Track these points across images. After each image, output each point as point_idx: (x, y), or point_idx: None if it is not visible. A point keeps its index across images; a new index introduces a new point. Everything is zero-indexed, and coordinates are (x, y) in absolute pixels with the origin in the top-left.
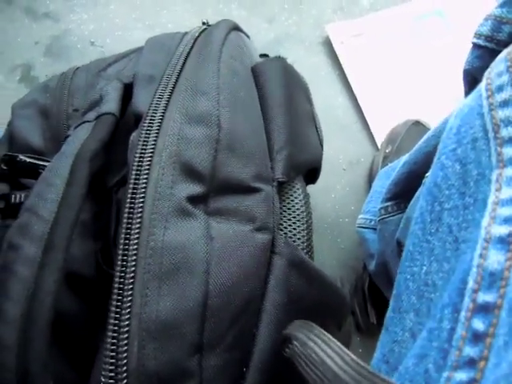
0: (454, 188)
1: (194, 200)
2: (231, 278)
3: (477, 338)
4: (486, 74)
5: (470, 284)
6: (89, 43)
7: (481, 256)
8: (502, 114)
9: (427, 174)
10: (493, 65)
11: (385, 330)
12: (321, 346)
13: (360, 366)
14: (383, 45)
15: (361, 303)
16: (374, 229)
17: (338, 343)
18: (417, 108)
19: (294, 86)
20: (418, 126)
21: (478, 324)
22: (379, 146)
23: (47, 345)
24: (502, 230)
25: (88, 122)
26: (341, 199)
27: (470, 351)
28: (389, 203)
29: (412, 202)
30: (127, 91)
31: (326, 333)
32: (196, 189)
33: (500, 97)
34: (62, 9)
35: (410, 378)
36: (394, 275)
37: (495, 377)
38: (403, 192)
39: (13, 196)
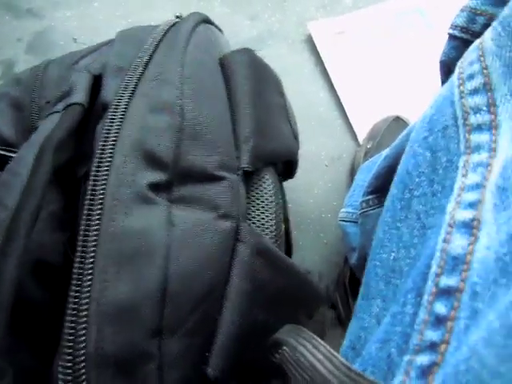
0: (424, 175)
1: (155, 187)
2: (192, 264)
3: (438, 321)
4: (459, 63)
5: (433, 268)
6: (72, 40)
7: (444, 240)
8: (471, 101)
9: None
10: (465, 54)
11: (354, 317)
12: (310, 350)
13: (348, 368)
14: (365, 42)
15: (342, 296)
16: (356, 222)
17: (328, 347)
18: (397, 104)
19: (262, 77)
20: (398, 122)
21: (440, 308)
22: (361, 142)
23: (5, 332)
24: (466, 215)
25: (56, 112)
26: (323, 195)
27: (431, 335)
28: (370, 197)
29: None
30: (97, 82)
31: (315, 336)
32: (158, 176)
33: (470, 85)
34: (45, 5)
35: (373, 363)
36: None
37: (456, 360)
38: (384, 185)
39: None
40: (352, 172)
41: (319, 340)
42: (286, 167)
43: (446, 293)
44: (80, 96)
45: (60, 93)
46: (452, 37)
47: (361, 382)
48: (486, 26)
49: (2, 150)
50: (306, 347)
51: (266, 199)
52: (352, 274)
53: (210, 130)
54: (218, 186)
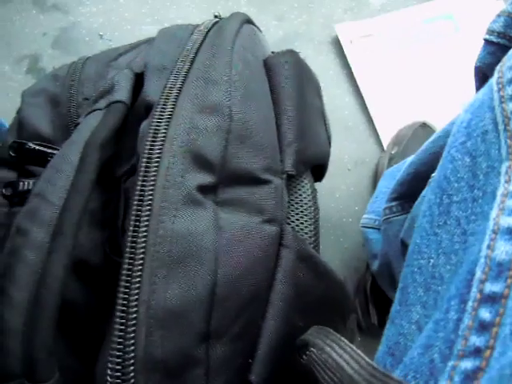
0: (464, 181)
1: (203, 189)
2: (239, 269)
3: (483, 327)
4: (498, 67)
5: (478, 275)
6: (97, 36)
7: (489, 247)
8: None
9: (433, 175)
10: (504, 59)
11: (390, 323)
12: (337, 351)
13: (374, 368)
14: (392, 46)
15: (362, 303)
16: (378, 229)
17: (354, 347)
18: (424, 110)
19: (306, 80)
20: (424, 128)
21: (485, 314)
22: (385, 147)
23: (53, 331)
24: (510, 221)
25: (99, 109)
26: (345, 199)
27: (476, 340)
28: (394, 203)
29: (417, 203)
30: (138, 81)
31: (342, 337)
32: (206, 178)
33: (511, 89)
34: (71, 1)
35: (415, 369)
36: (397, 275)
37: (500, 365)
38: (408, 192)
39: (21, 183)
40: (375, 177)
41: (346, 341)
42: (317, 170)
43: (491, 299)
44: (123, 94)
45: (100, 89)
46: (488, 42)
47: (387, 381)
48: None
49: (41, 145)
50: (334, 348)
51: (306, 203)
52: (373, 281)
53: (257, 133)
54: (263, 190)
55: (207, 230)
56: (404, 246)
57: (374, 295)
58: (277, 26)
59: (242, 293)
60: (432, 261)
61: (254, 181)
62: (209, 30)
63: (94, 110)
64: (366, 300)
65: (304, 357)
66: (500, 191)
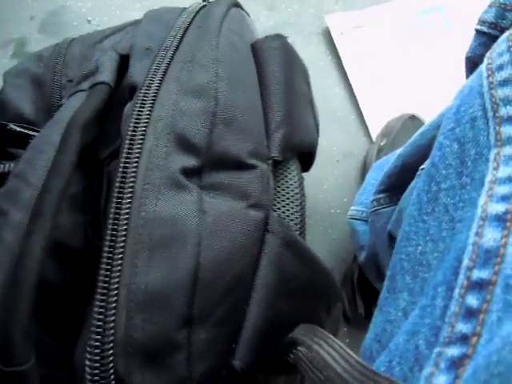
0: (452, 168)
1: (187, 173)
2: (223, 253)
3: (470, 314)
4: (488, 54)
5: (465, 262)
6: (85, 21)
7: (477, 234)
8: (501, 92)
9: (421, 167)
10: (494, 46)
11: (378, 311)
12: (325, 349)
13: (363, 366)
14: (383, 38)
15: (349, 294)
16: (366, 220)
17: (342, 345)
18: (413, 102)
19: (294, 66)
20: (413, 121)
21: (472, 300)
22: (373, 139)
23: (30, 314)
24: (498, 208)
25: (82, 91)
26: (333, 190)
27: (462, 327)
28: (381, 195)
29: (405, 195)
30: (123, 63)
31: (330, 335)
32: (190, 161)
33: (500, 76)
34: None
35: (400, 354)
36: (383, 267)
37: (487, 352)
38: (396, 184)
39: (1, 166)
40: (364, 169)
41: (334, 339)
42: (305, 159)
43: (478, 286)
44: (107, 75)
45: (84, 71)
46: (479, 32)
47: (377, 379)
48: None
49: (23, 127)
50: (322, 346)
51: (292, 190)
52: (360, 272)
53: (243, 116)
54: (248, 175)
55: (191, 214)
56: (391, 237)
57: (360, 286)
58: (267, 16)
59: (226, 278)
60: (420, 248)
61: (240, 165)
62: (196, 13)
63: (78, 91)
64: (353, 291)
65: (291, 355)
66: (488, 178)
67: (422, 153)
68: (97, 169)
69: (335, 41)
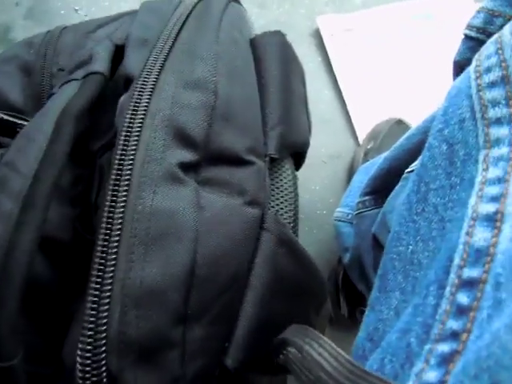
0: (441, 168)
1: (185, 167)
2: (219, 250)
3: (461, 311)
4: (476, 56)
5: (456, 261)
6: (73, 10)
7: (467, 234)
8: (489, 94)
9: (407, 170)
10: (482, 48)
11: (370, 310)
12: (316, 349)
13: (355, 366)
14: (372, 42)
15: (333, 295)
16: (351, 223)
17: (333, 344)
18: (401, 107)
19: (291, 64)
20: (400, 125)
21: (463, 298)
22: (360, 142)
23: (19, 308)
24: (488, 208)
25: (75, 80)
26: (319, 191)
27: (453, 324)
28: (367, 197)
29: (389, 198)
30: (118, 53)
31: (321, 335)
32: (188, 156)
33: (488, 78)
34: None
35: (392, 352)
36: (367, 268)
37: (477, 347)
38: (381, 187)
39: None
40: (350, 171)
41: (325, 339)
42: (295, 159)
43: (469, 284)
44: (102, 65)
45: (77, 60)
46: (467, 37)
47: (369, 379)
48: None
49: (11, 115)
50: (313, 346)
51: (286, 189)
52: (345, 273)
53: (242, 112)
54: (246, 171)
55: (188, 209)
56: (375, 239)
57: (345, 287)
58: (258, 14)
59: (222, 275)
60: (411, 247)
61: (237, 161)
62: (194, 6)
63: (71, 80)
64: (337, 292)
65: (281, 356)
66: (478, 179)
67: (407, 156)
68: (86, 161)
69: (325, 42)
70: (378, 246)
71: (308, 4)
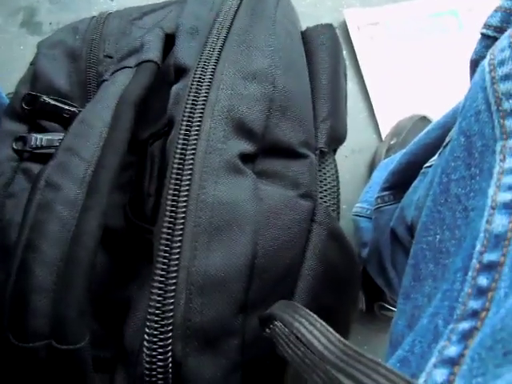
0: (460, 160)
1: (244, 158)
2: (277, 241)
3: (481, 292)
4: (490, 50)
5: (478, 247)
6: None
7: (487, 222)
8: (503, 87)
9: (426, 165)
10: (497, 43)
11: (406, 299)
12: (306, 327)
13: (345, 345)
14: (398, 36)
15: None
16: (370, 218)
17: (324, 323)
18: (425, 103)
19: (339, 58)
20: (424, 122)
21: (483, 280)
22: (383, 137)
23: (86, 291)
24: (506, 197)
25: (128, 67)
26: (340, 186)
27: (473, 304)
28: (385, 193)
29: (408, 193)
30: (167, 42)
31: (311, 313)
32: (247, 147)
33: (502, 71)
34: None
35: (422, 334)
36: (386, 263)
37: (493, 321)
38: (400, 182)
39: (32, 138)
40: (371, 166)
41: (315, 316)
42: None
43: (488, 267)
44: (154, 53)
45: (127, 48)
46: (485, 36)
47: (356, 357)
48: None
49: (57, 100)
50: (303, 323)
51: (329, 182)
52: (363, 268)
53: (297, 105)
54: (300, 164)
55: (248, 200)
56: (393, 234)
57: (363, 282)
58: None
59: (279, 266)
60: (438, 236)
61: (292, 154)
62: None
63: (123, 68)
64: None
65: (267, 330)
66: (496, 169)
67: (426, 151)
68: (134, 148)
69: (351, 35)
70: (395, 240)
71: None
